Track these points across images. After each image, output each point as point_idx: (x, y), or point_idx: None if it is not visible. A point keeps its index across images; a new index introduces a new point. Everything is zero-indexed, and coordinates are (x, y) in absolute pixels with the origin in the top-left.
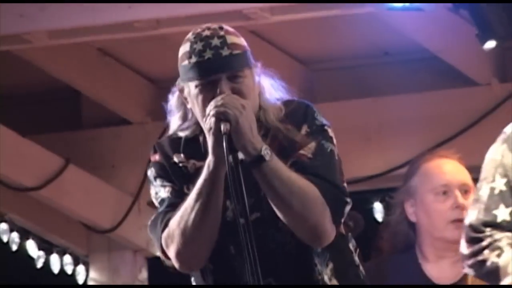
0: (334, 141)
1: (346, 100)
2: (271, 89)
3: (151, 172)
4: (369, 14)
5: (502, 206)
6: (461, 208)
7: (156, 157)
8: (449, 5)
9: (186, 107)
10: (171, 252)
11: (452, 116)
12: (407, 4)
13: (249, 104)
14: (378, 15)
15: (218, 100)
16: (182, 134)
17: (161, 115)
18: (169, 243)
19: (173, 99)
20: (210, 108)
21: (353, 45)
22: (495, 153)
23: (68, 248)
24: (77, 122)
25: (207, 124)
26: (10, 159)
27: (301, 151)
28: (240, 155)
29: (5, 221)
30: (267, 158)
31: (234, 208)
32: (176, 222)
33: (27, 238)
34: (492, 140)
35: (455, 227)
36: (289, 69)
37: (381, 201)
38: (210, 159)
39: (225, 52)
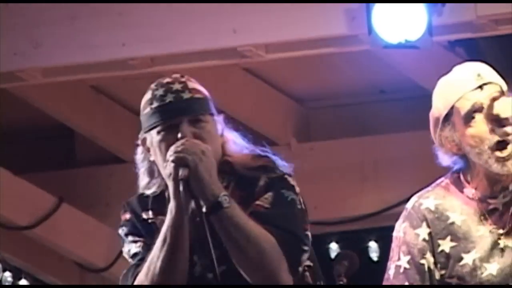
0: (297, 189)
1: (342, 138)
2: (236, 139)
3: (122, 231)
4: (365, 52)
5: (406, 284)
6: None
7: (127, 216)
8: (445, 43)
9: (149, 161)
10: None
11: None
12: (402, 42)
13: (210, 149)
14: (374, 53)
15: (178, 146)
16: (149, 191)
17: None
18: None
19: (137, 154)
20: (170, 154)
21: (349, 83)
22: (398, 231)
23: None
24: (71, 161)
25: (167, 169)
26: (4, 198)
27: (258, 202)
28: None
29: None
30: (224, 204)
31: (202, 262)
32: (144, 272)
33: (20, 278)
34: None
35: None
36: (284, 107)
37: (376, 240)
38: (171, 204)
39: (186, 95)
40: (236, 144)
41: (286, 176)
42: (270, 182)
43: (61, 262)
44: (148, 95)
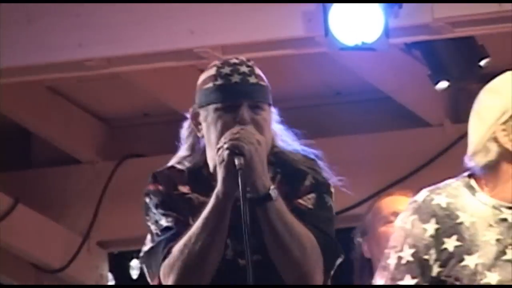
0: (333, 198)
1: (298, 140)
2: (283, 133)
3: (150, 200)
4: (322, 54)
5: (408, 277)
6: None
7: (159, 187)
8: (402, 45)
9: (195, 137)
10: (170, 280)
11: (405, 157)
12: (359, 44)
13: (264, 140)
14: (331, 55)
15: (234, 133)
16: (182, 166)
17: (111, 154)
18: (169, 272)
19: (183, 129)
20: (225, 140)
21: (305, 85)
22: (405, 222)
23: None
24: (27, 161)
25: (220, 156)
26: None
27: (301, 200)
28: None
29: None
30: (274, 197)
31: (235, 247)
32: (179, 251)
33: None
34: (444, 181)
35: None
36: None
37: None
38: (219, 190)
39: (253, 79)
40: (286, 138)
41: (329, 182)
42: (316, 184)
43: (17, 262)
44: (211, 71)
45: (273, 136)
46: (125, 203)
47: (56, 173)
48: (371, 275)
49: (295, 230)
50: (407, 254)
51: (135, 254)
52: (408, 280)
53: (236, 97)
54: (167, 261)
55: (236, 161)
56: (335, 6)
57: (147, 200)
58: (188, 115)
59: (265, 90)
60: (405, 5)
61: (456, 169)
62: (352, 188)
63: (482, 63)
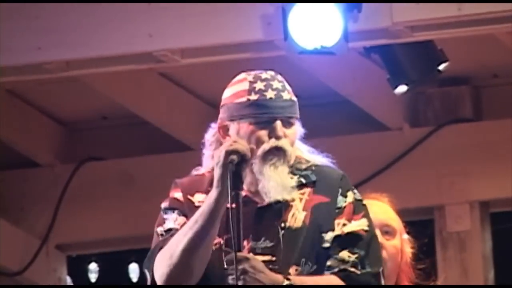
0: None
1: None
2: (305, 147)
3: (165, 205)
4: (281, 57)
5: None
6: None
7: (175, 194)
8: (361, 49)
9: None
10: (157, 276)
11: (364, 161)
12: (318, 48)
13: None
14: (290, 59)
15: (232, 141)
16: (207, 172)
17: (70, 157)
18: (157, 268)
19: (208, 135)
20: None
21: None
22: None
23: None
24: None
25: (216, 157)
26: None
27: (355, 228)
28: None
29: None
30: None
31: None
32: (167, 247)
33: None
34: (404, 185)
35: None
36: (200, 112)
37: None
38: (213, 191)
39: (286, 95)
40: (311, 152)
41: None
42: (357, 204)
43: None
44: (243, 85)
45: (299, 147)
46: (84, 206)
47: (14, 176)
48: None
49: None
50: None
51: (93, 257)
52: None
53: (271, 113)
54: (157, 258)
55: (230, 157)
56: (294, 10)
57: (162, 205)
58: (213, 125)
59: (295, 106)
60: (364, 9)
61: (415, 173)
62: None
63: (441, 67)
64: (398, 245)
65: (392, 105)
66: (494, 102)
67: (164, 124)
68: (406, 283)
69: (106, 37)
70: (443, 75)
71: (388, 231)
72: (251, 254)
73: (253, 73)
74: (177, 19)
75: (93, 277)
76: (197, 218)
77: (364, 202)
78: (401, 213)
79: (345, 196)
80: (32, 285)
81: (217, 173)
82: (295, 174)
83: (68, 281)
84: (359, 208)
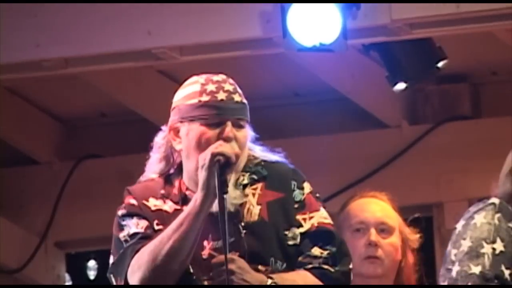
0: None
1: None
2: (257, 147)
3: (122, 212)
4: (279, 54)
5: (503, 266)
6: (374, 245)
7: (130, 200)
8: (359, 46)
9: (170, 148)
10: (135, 278)
11: (362, 158)
12: (317, 45)
13: (241, 156)
14: (288, 56)
15: (217, 144)
16: (157, 176)
17: (69, 155)
18: (135, 270)
19: (158, 138)
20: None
21: (263, 86)
22: (491, 219)
23: None
24: None
25: (201, 159)
26: None
27: (321, 219)
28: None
29: None
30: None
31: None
32: (149, 250)
33: None
34: (402, 182)
35: (370, 262)
36: None
37: None
38: (198, 194)
39: (237, 98)
40: (264, 151)
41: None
42: (316, 196)
43: None
44: (194, 87)
45: (249, 150)
46: (82, 203)
47: (13, 173)
48: None
49: None
50: (500, 246)
51: (92, 254)
52: (503, 269)
53: (222, 114)
54: (134, 260)
55: (216, 159)
56: (294, 7)
57: (120, 213)
58: (164, 128)
59: (247, 109)
60: (363, 6)
61: (413, 170)
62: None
63: (440, 64)
64: (396, 243)
65: (391, 103)
66: (493, 99)
67: (163, 122)
68: (410, 278)
69: (104, 35)
70: (441, 73)
71: (384, 229)
72: (236, 256)
73: (204, 76)
74: (176, 16)
75: (91, 274)
76: (182, 221)
77: (363, 200)
78: (399, 210)
79: (302, 188)
80: (32, 285)
81: (202, 176)
82: (246, 172)
83: (67, 278)
84: (317, 198)
